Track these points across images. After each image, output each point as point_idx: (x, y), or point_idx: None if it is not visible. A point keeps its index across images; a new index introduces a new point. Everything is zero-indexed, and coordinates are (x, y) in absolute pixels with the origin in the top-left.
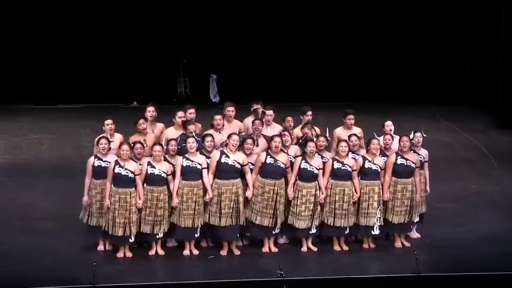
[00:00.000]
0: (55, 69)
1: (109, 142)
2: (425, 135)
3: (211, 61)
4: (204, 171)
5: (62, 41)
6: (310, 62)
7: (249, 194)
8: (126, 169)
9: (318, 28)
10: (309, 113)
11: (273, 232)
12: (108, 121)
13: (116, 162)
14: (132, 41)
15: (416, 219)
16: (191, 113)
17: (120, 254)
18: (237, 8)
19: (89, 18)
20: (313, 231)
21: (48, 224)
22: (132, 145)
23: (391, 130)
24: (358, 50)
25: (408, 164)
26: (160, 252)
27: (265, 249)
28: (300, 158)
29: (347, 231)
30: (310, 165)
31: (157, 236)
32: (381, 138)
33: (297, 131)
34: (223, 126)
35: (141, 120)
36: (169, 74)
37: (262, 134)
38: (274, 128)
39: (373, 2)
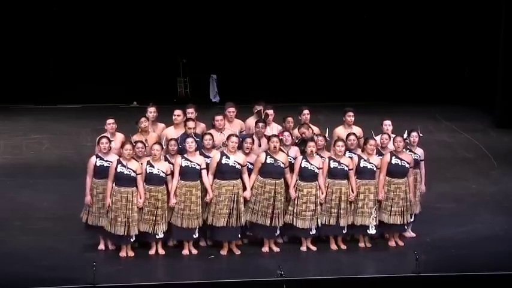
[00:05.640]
0: (55, 69)
1: (110, 141)
2: (421, 135)
3: (211, 61)
4: (204, 172)
5: (62, 41)
6: (310, 62)
7: (246, 194)
8: (128, 168)
9: (318, 28)
10: (305, 112)
11: (275, 234)
12: (110, 120)
13: (118, 162)
14: (132, 41)
15: (411, 220)
16: (191, 112)
17: (122, 254)
18: (237, 8)
19: (89, 19)
20: (313, 232)
21: (48, 224)
22: (134, 144)
23: (388, 130)
24: (358, 50)
25: (402, 164)
26: (161, 251)
27: (265, 249)
28: (301, 157)
29: (345, 231)
30: (311, 164)
31: (157, 236)
32: (378, 137)
33: (295, 132)
34: (224, 126)
35: (143, 119)
36: (169, 74)
37: (264, 134)
38: (274, 128)
39: (373, 2)
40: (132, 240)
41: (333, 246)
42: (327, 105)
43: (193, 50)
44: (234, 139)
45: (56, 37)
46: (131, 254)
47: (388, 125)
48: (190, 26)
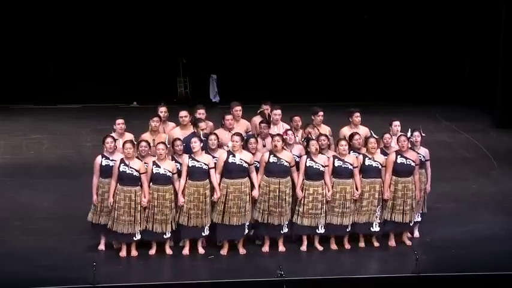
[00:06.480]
0: (55, 69)
1: (115, 141)
2: (423, 135)
3: (211, 61)
4: (212, 171)
5: (62, 41)
6: (310, 62)
7: (255, 193)
8: (131, 167)
9: (318, 28)
10: (321, 113)
11: (281, 232)
12: (120, 120)
13: (121, 161)
14: (132, 41)
15: (419, 219)
16: (202, 113)
17: (123, 253)
18: (237, 8)
19: (89, 19)
20: (322, 230)
21: (48, 224)
22: (137, 143)
23: (398, 130)
24: (359, 50)
25: (408, 162)
26: (169, 251)
27: (265, 249)
28: (305, 156)
29: (348, 229)
30: (316, 162)
31: (164, 236)
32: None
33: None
34: (233, 125)
35: (156, 118)
36: (169, 74)
37: (270, 134)
38: (281, 127)
39: (373, 2)
40: (135, 239)
41: (333, 246)
42: (327, 105)
43: (193, 50)
44: (236, 138)
45: (56, 37)
46: (135, 253)
47: (397, 125)
48: (190, 26)
